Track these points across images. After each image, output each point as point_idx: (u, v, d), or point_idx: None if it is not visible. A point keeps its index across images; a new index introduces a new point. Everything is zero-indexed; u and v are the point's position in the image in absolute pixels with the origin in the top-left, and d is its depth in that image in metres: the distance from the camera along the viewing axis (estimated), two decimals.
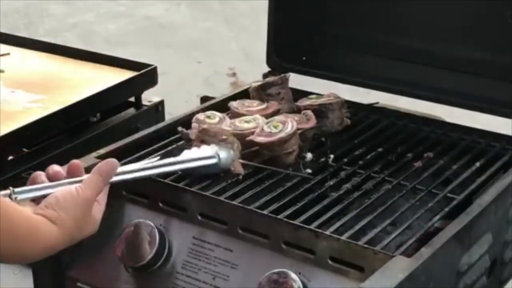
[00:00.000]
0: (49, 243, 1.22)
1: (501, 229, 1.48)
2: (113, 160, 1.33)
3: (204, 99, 1.86)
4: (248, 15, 4.88)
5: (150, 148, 1.59)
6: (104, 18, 5.06)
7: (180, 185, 1.44)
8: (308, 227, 1.30)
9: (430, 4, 1.77)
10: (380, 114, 1.79)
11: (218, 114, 1.64)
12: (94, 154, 1.53)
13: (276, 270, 1.26)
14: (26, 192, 1.25)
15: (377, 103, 1.86)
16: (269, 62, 1.93)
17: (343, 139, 1.68)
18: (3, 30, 2.40)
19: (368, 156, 1.60)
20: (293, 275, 1.25)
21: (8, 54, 2.23)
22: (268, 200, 1.41)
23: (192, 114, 1.69)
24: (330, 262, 1.27)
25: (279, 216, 1.33)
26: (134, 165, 1.42)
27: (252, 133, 1.55)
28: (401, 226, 1.36)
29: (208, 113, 1.65)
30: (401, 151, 1.62)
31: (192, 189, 1.43)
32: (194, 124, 1.60)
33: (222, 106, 1.75)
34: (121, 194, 1.47)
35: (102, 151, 1.54)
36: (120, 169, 1.34)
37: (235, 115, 1.65)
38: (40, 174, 1.29)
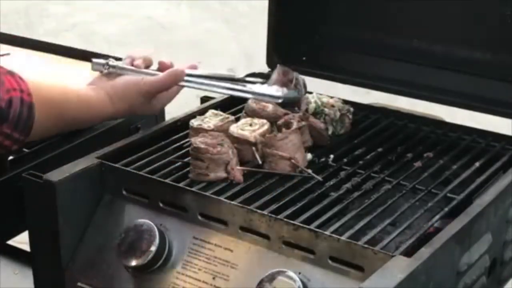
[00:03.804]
0: (101, 116, 1.62)
1: (501, 229, 1.48)
2: (182, 70, 1.62)
3: (204, 99, 1.86)
4: (248, 15, 4.88)
5: (150, 148, 1.59)
6: (104, 18, 5.07)
7: (180, 185, 1.45)
8: (308, 227, 1.30)
9: (430, 4, 1.78)
10: (380, 114, 1.79)
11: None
12: (94, 154, 1.53)
13: (276, 270, 1.27)
14: (116, 68, 1.64)
15: (377, 103, 1.86)
16: (269, 62, 1.93)
17: (343, 139, 1.69)
18: (3, 30, 2.40)
19: (368, 156, 1.60)
20: (293, 275, 1.26)
21: (8, 54, 2.23)
22: (268, 200, 1.41)
23: (192, 114, 1.69)
24: (330, 262, 1.27)
25: (279, 216, 1.33)
26: (207, 81, 1.66)
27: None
28: (401, 226, 1.36)
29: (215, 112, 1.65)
30: (401, 151, 1.63)
31: (192, 189, 1.43)
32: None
33: (222, 106, 1.76)
34: (121, 194, 1.47)
35: (102, 151, 1.54)
36: (191, 78, 1.64)
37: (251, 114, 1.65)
38: (130, 58, 1.66)
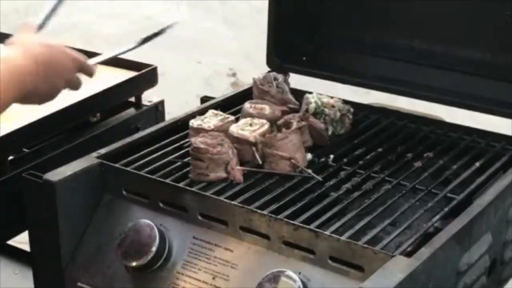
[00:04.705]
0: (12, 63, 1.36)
1: (501, 229, 1.48)
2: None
3: (204, 99, 1.86)
4: (248, 15, 4.88)
5: (150, 148, 1.59)
6: (104, 18, 5.06)
7: (180, 185, 1.45)
8: (308, 227, 1.30)
9: (430, 4, 1.77)
10: (380, 114, 1.79)
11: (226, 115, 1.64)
12: (94, 154, 1.53)
13: (276, 270, 1.27)
14: None
15: (377, 103, 1.86)
16: (269, 62, 1.93)
17: (343, 139, 1.69)
18: (3, 30, 2.40)
19: (368, 156, 1.60)
20: (293, 275, 1.26)
21: None
22: (268, 200, 1.41)
23: (192, 114, 1.69)
24: (330, 262, 1.27)
25: (279, 216, 1.33)
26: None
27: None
28: (401, 226, 1.36)
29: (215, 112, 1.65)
30: (401, 151, 1.62)
31: (192, 189, 1.43)
32: None
33: (222, 106, 1.75)
34: (121, 194, 1.47)
35: (102, 151, 1.54)
36: None
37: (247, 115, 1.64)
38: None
